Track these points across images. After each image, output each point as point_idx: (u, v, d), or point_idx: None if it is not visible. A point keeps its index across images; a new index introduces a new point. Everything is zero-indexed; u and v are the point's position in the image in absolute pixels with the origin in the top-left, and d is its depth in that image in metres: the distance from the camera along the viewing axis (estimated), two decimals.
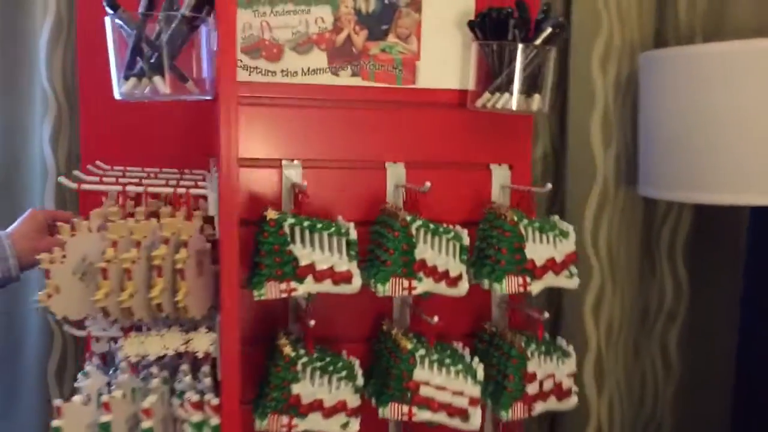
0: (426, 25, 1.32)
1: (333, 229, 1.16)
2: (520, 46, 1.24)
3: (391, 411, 1.22)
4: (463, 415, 1.23)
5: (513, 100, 1.26)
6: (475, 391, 1.23)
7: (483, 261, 1.26)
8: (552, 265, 1.26)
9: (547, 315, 1.28)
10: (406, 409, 1.21)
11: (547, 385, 1.28)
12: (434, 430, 1.25)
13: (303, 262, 1.14)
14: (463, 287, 1.24)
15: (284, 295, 1.14)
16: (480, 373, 1.23)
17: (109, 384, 1.12)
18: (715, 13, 1.61)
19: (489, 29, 1.26)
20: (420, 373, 1.20)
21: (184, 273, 1.07)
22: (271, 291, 1.14)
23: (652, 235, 1.73)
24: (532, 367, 1.25)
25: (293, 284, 1.14)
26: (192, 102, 1.14)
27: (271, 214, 1.13)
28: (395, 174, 1.34)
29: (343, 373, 1.19)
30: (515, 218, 1.23)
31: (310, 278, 1.15)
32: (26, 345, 1.54)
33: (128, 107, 1.25)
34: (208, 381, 1.13)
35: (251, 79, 1.27)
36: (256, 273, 1.14)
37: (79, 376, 1.16)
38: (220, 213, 1.08)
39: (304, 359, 1.18)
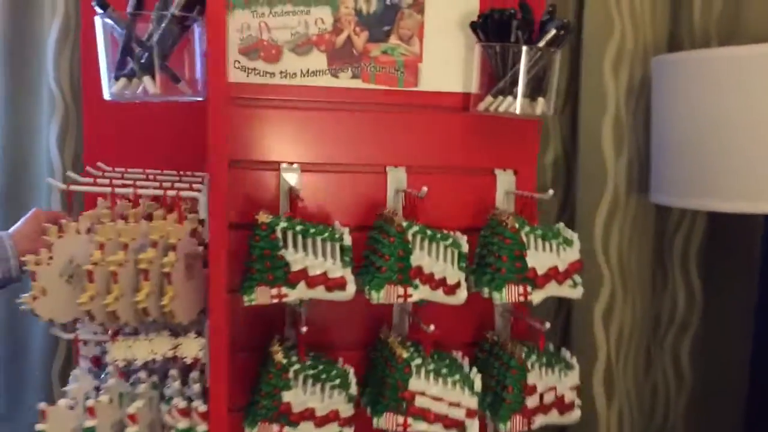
0: (429, 26, 1.25)
1: (326, 234, 1.09)
2: (524, 48, 1.17)
3: (386, 421, 1.15)
4: (460, 426, 1.15)
5: (517, 104, 1.19)
6: (473, 402, 1.15)
7: (483, 269, 1.19)
8: (555, 274, 1.18)
9: (548, 325, 1.20)
10: (401, 419, 1.14)
11: (548, 397, 1.20)
12: None
13: (295, 268, 1.08)
14: (462, 295, 1.16)
15: (275, 301, 1.08)
16: (477, 384, 1.16)
17: (97, 388, 1.07)
18: (730, 16, 1.52)
19: (491, 31, 1.18)
20: (416, 383, 1.13)
21: (171, 277, 1.01)
22: (262, 296, 1.07)
23: (665, 243, 1.64)
24: (532, 379, 1.18)
25: (284, 290, 1.08)
26: (196, 103, 1.08)
27: (263, 217, 1.07)
28: (396, 178, 1.27)
29: (337, 382, 1.13)
30: (516, 225, 1.15)
31: (302, 284, 1.09)
32: (30, 346, 1.49)
33: (132, 108, 1.20)
34: (197, 387, 1.07)
35: (249, 80, 1.21)
36: (247, 277, 1.08)
37: (70, 379, 1.12)
38: (209, 215, 1.02)
39: (296, 366, 1.11)
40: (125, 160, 1.27)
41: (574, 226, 1.56)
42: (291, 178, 1.23)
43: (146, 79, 1.02)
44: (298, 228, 1.08)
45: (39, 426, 1.01)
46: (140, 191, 1.07)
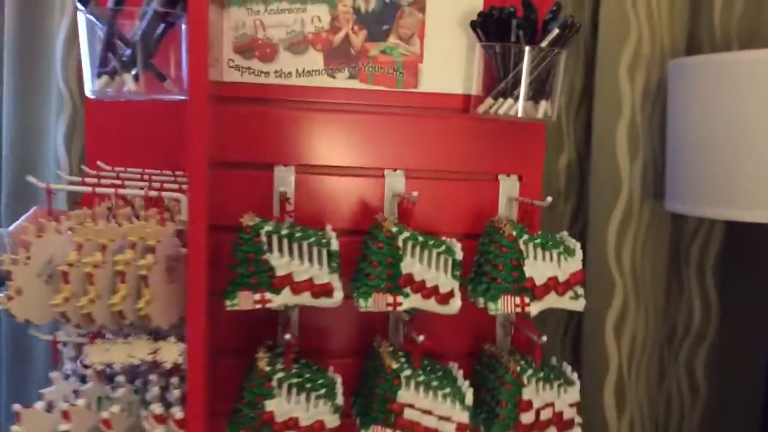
0: (430, 25, 1.14)
1: (313, 238, 1.00)
2: (526, 48, 1.05)
3: None
4: None
5: (519, 107, 1.08)
6: (463, 416, 1.04)
7: (480, 278, 1.08)
8: (554, 285, 1.07)
9: (544, 339, 1.09)
10: None
11: (545, 414, 1.08)
12: None
13: (280, 273, 0.99)
14: (455, 305, 1.05)
15: (258, 306, 0.99)
16: (469, 398, 1.05)
17: (77, 391, 1.00)
18: (751, 18, 1.38)
19: (491, 30, 1.08)
20: (404, 395, 1.03)
21: (148, 279, 0.93)
22: (244, 301, 0.99)
23: (681, 251, 1.51)
24: (527, 394, 1.06)
25: (268, 295, 0.99)
26: None
27: (247, 220, 0.98)
28: (394, 183, 1.17)
29: (322, 391, 1.03)
30: (514, 233, 1.04)
31: (287, 290, 0.99)
32: (34, 347, 1.43)
33: (134, 108, 1.13)
34: (177, 393, 0.99)
35: (243, 79, 1.12)
36: (230, 282, 0.99)
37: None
38: (189, 217, 0.93)
39: (280, 374, 1.02)
40: (128, 159, 1.20)
41: (587, 232, 1.44)
42: (285, 180, 1.14)
43: (126, 76, 0.94)
44: (284, 232, 0.99)
45: (14, 428, 0.94)
46: (121, 191, 0.99)
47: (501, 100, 1.08)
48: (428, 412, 1.03)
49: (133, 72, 0.96)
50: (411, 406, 1.03)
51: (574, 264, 1.09)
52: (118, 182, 1.05)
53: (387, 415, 1.03)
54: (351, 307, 1.04)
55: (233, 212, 1.07)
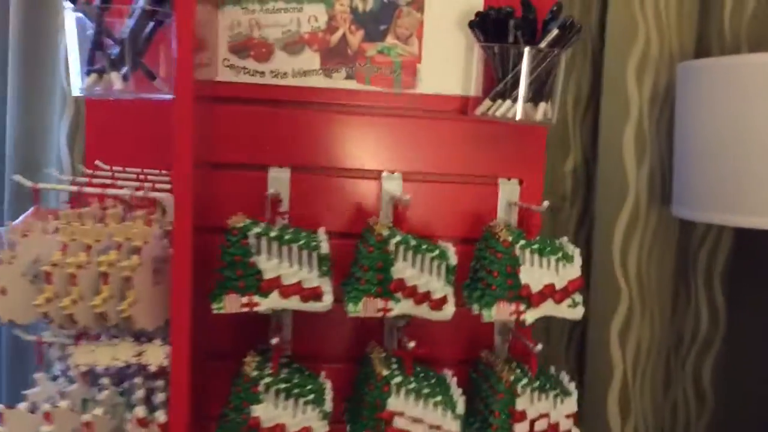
0: (429, 25, 1.08)
1: (303, 241, 0.94)
2: (525, 49, 0.99)
3: None
4: None
5: (517, 109, 1.02)
6: (454, 425, 0.98)
7: (475, 284, 1.02)
8: (551, 292, 1.00)
9: (540, 347, 1.02)
10: None
11: (540, 425, 1.01)
12: None
13: (268, 276, 0.94)
14: (448, 311, 0.99)
15: (245, 310, 0.94)
16: (460, 407, 0.99)
17: (62, 393, 0.95)
18: (761, 20, 1.30)
19: (490, 30, 1.01)
20: (394, 403, 0.97)
21: (133, 281, 0.88)
22: (231, 304, 0.94)
23: (689, 258, 1.43)
24: (521, 404, 1.00)
25: (256, 298, 0.94)
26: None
27: (235, 222, 0.93)
28: (391, 185, 1.11)
29: (310, 397, 0.98)
30: (509, 239, 0.98)
31: (275, 293, 0.94)
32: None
33: (134, 108, 1.08)
34: (161, 396, 0.94)
35: (238, 79, 1.07)
36: (217, 284, 0.95)
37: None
38: (174, 217, 0.88)
39: (268, 379, 0.97)
40: (128, 159, 1.15)
41: (593, 236, 1.38)
42: (281, 181, 1.08)
43: (113, 75, 0.90)
44: (273, 234, 0.94)
45: None
46: (110, 191, 0.94)
47: (500, 101, 1.02)
48: (419, 421, 0.98)
49: (123, 70, 0.91)
50: (401, 414, 0.97)
51: (573, 271, 1.02)
52: (107, 182, 1.00)
53: (377, 423, 0.98)
54: (345, 312, 0.98)
55: (229, 213, 1.01)
